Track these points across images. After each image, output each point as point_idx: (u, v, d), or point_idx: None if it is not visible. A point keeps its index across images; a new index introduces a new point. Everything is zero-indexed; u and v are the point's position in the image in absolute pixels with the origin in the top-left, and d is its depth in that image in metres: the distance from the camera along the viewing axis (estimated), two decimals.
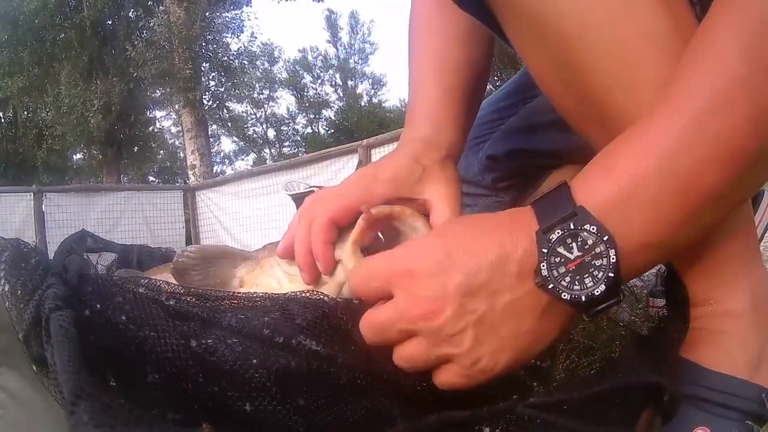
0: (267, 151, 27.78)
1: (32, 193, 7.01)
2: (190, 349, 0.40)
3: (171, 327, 0.40)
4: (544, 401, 0.38)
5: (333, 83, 29.07)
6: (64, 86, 12.57)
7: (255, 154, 27.85)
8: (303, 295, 0.47)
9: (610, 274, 0.39)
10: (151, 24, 11.40)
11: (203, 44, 12.29)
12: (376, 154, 5.88)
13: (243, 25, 14.25)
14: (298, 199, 5.07)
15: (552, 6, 0.46)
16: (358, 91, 29.05)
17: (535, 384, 0.54)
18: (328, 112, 28.56)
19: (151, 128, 17.09)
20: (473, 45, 0.67)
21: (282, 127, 28.20)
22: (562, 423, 0.36)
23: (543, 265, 0.40)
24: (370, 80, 29.36)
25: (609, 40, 0.45)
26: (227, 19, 13.33)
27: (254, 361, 0.40)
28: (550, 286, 0.40)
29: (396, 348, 0.44)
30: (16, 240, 0.46)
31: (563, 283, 0.40)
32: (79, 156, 18.38)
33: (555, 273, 0.40)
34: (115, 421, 0.29)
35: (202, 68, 12.65)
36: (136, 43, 11.93)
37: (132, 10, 13.64)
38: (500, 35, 0.55)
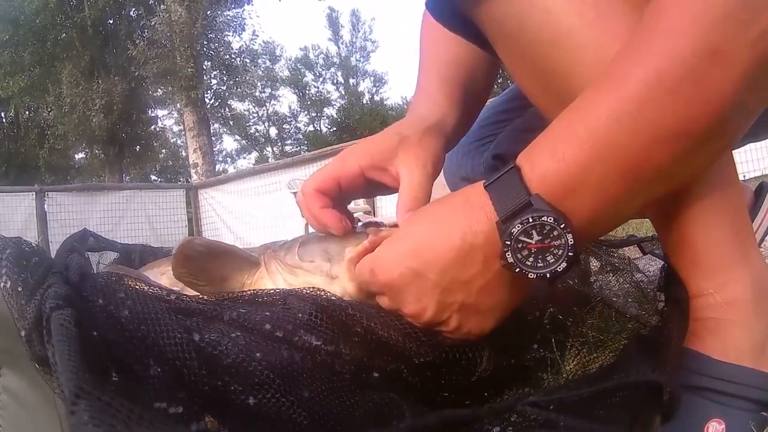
0: (269, 149, 27.77)
1: (34, 193, 7.03)
2: (193, 342, 0.40)
3: (173, 321, 0.40)
4: (545, 399, 0.38)
5: (335, 81, 29.06)
6: (66, 86, 12.58)
7: (257, 153, 27.84)
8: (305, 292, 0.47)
9: (570, 253, 0.43)
10: (153, 23, 11.39)
11: (205, 43, 12.30)
12: None
13: (244, 24, 14.27)
14: None
15: (528, 18, 0.49)
16: (360, 88, 29.02)
17: (544, 376, 0.54)
18: (330, 110, 28.57)
19: (153, 127, 17.11)
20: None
21: (284, 126, 28.17)
22: (563, 421, 0.36)
23: (508, 254, 0.44)
24: (372, 78, 29.34)
25: (584, 44, 0.46)
26: (229, 17, 13.34)
27: (257, 354, 0.41)
28: (517, 269, 0.44)
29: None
30: (17, 239, 0.46)
31: (527, 263, 0.44)
32: (81, 155, 18.39)
33: (519, 256, 0.44)
34: (115, 420, 0.29)
35: (204, 67, 12.66)
36: (137, 42, 11.93)
37: (133, 9, 13.64)
38: (492, 54, 0.58)
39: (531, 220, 0.42)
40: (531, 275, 0.44)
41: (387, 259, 0.49)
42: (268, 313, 0.44)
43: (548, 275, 0.44)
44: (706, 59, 0.38)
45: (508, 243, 0.43)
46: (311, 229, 0.61)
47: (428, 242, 0.47)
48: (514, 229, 0.42)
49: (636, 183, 0.42)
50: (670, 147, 0.40)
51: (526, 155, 0.45)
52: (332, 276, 0.53)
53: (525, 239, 0.43)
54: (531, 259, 0.44)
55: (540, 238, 0.43)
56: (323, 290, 0.50)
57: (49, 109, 14.31)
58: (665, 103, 0.39)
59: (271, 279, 0.56)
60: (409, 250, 0.47)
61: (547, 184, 0.43)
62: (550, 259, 0.44)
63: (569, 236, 0.43)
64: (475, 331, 0.49)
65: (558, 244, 0.43)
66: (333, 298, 0.49)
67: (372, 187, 0.62)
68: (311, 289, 0.50)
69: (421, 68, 0.75)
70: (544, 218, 0.42)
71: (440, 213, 0.48)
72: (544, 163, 0.43)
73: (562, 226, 0.42)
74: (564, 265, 0.44)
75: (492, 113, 0.99)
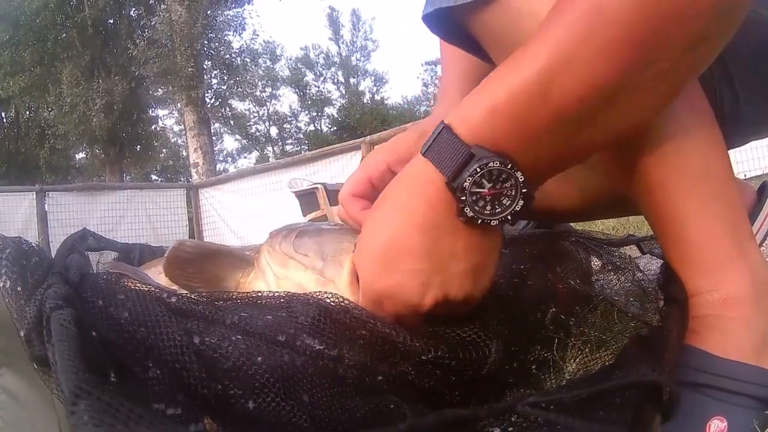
0: (270, 148, 27.74)
1: (35, 193, 7.03)
2: (193, 345, 0.40)
3: (173, 323, 0.40)
4: (545, 399, 0.38)
5: (335, 81, 29.04)
6: (66, 85, 12.58)
7: (258, 152, 27.80)
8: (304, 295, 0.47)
9: (523, 190, 0.44)
10: (153, 22, 11.40)
11: (205, 42, 12.30)
12: None
13: (245, 23, 14.29)
14: (302, 196, 5.08)
15: (518, 25, 0.50)
16: (361, 88, 28.99)
17: (546, 376, 0.54)
18: (330, 110, 28.52)
19: (153, 127, 17.11)
20: None
21: (284, 125, 28.13)
22: (563, 421, 0.36)
23: (466, 209, 0.44)
24: (373, 77, 29.32)
25: None
26: (229, 17, 13.35)
27: (258, 358, 0.40)
28: (479, 221, 0.45)
29: None
30: (17, 238, 0.46)
31: (486, 212, 0.44)
32: (81, 155, 18.38)
33: (476, 208, 0.44)
34: (115, 420, 0.29)
35: (204, 66, 12.67)
36: (137, 41, 11.93)
37: (133, 8, 13.65)
38: (489, 61, 0.60)
39: (479, 169, 0.42)
40: (493, 222, 0.45)
41: (369, 277, 0.48)
42: (270, 317, 0.44)
43: (509, 216, 0.45)
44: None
45: (463, 198, 0.43)
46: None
47: (396, 240, 0.46)
48: (465, 183, 0.43)
49: (572, 124, 0.42)
50: (596, 89, 0.40)
51: (459, 109, 0.45)
52: (325, 276, 0.53)
53: (478, 190, 0.43)
54: (489, 207, 0.44)
55: (491, 184, 0.43)
56: (327, 292, 0.49)
57: (49, 109, 14.30)
58: (603, 29, 0.38)
59: (261, 276, 0.56)
60: (382, 256, 0.47)
61: (482, 131, 0.43)
62: (506, 201, 0.44)
63: (518, 174, 0.43)
64: (479, 289, 0.49)
65: (510, 185, 0.44)
66: (339, 300, 0.48)
67: None
68: (316, 294, 0.49)
69: (442, 69, 0.78)
70: (491, 164, 0.42)
71: (393, 200, 0.48)
72: (476, 112, 0.43)
73: (509, 166, 0.43)
74: (521, 203, 0.44)
75: None
